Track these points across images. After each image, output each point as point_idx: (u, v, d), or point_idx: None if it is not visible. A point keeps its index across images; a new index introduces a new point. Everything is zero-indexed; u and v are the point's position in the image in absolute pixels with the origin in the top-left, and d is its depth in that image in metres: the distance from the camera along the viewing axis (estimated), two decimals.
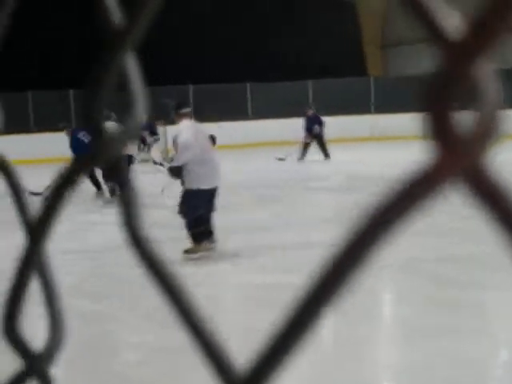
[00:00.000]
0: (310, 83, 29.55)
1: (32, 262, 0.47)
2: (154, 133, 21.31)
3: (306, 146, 21.40)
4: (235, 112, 28.08)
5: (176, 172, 8.72)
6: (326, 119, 22.80)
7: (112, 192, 13.52)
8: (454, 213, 8.51)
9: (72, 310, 6.65)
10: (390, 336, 6.07)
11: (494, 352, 5.38)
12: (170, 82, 26.16)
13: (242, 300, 7.17)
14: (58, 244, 9.13)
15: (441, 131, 0.24)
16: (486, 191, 0.24)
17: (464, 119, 0.25)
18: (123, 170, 0.38)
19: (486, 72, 0.24)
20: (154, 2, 0.36)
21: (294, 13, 30.82)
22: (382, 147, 23.59)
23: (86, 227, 11.19)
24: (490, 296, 6.53)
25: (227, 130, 26.35)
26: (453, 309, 6.10)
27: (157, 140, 21.61)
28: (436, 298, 6.49)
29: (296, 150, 21.08)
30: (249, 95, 29.19)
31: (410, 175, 0.25)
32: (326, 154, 21.05)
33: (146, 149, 21.28)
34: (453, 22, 0.25)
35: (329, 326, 6.31)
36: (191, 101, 27.83)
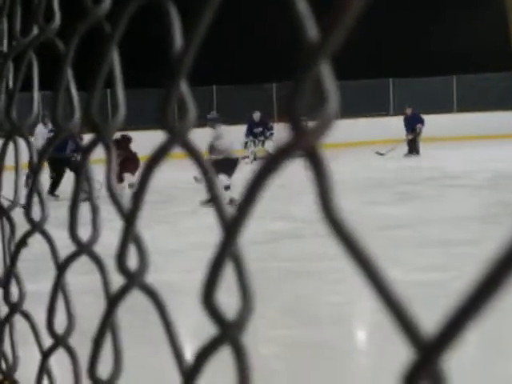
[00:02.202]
0: (454, 78, 28.95)
1: (228, 250, 0.54)
2: None
3: (410, 143, 22.48)
4: (377, 108, 27.87)
5: None
6: (471, 115, 22.41)
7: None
8: None
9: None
10: None
11: None
12: None
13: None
14: (194, 238, 9.41)
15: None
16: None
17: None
18: (318, 156, 0.44)
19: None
20: (351, 13, 0.41)
21: (440, 5, 30.24)
22: None
23: None
24: None
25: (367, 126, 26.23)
26: None
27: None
28: None
29: (396, 146, 21.83)
30: (391, 91, 28.89)
31: None
32: (417, 151, 22.15)
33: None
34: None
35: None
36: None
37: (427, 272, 7.47)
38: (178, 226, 11.26)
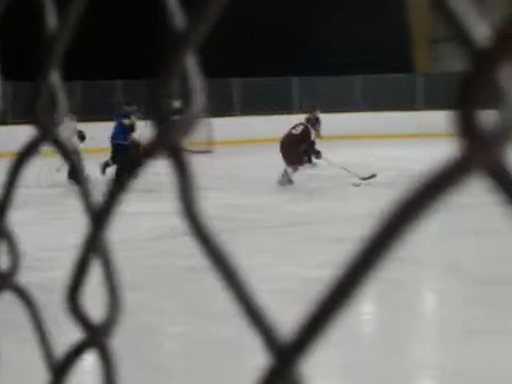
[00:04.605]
0: (356, 78, 29.44)
1: (94, 245, 0.52)
2: None
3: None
4: (280, 105, 28.09)
5: None
6: (373, 115, 22.76)
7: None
8: (489, 213, 8.46)
9: None
10: (430, 335, 6.06)
11: None
12: (214, 75, 26.19)
13: (277, 293, 7.07)
14: None
15: (468, 128, 0.27)
16: (507, 184, 0.27)
17: (488, 118, 0.29)
18: (182, 157, 0.42)
19: (509, 76, 0.28)
20: (215, 5, 0.40)
21: (341, 7, 30.67)
22: (429, 144, 23.36)
23: (127, 216, 11.28)
24: None
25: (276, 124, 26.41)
26: (494, 309, 6.07)
27: None
28: (478, 298, 6.45)
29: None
30: (294, 89, 29.17)
31: (437, 168, 0.28)
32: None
33: None
34: (480, 28, 0.29)
35: (366, 322, 6.33)
36: (238, 94, 27.90)
37: (328, 268, 7.56)
38: (78, 221, 11.05)
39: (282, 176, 14.84)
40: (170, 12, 0.45)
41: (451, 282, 7.14)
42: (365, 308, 6.33)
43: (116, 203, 0.48)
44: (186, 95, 0.43)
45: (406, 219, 0.30)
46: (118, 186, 0.47)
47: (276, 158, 20.92)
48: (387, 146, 22.42)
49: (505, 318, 5.87)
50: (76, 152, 0.60)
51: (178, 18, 0.44)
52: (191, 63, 0.43)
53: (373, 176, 14.00)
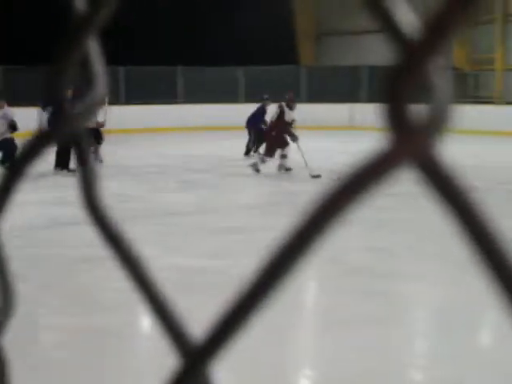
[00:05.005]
0: (240, 70, 29.57)
1: None
2: None
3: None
4: (164, 95, 27.93)
5: None
6: (256, 106, 22.90)
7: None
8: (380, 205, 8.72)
9: None
10: (312, 325, 6.16)
11: (407, 341, 5.52)
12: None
13: (165, 284, 7.00)
14: None
15: (397, 120, 0.27)
16: (436, 177, 0.27)
17: (417, 111, 0.28)
18: (84, 144, 0.40)
19: (439, 68, 0.27)
20: None
21: None
22: (312, 136, 23.75)
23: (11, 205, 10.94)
24: (406, 286, 6.68)
25: (160, 113, 26.24)
26: (366, 299, 6.24)
27: None
28: (349, 287, 6.62)
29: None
30: (179, 79, 29.03)
31: (363, 161, 0.27)
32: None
33: None
34: (409, 20, 0.28)
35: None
36: (123, 83, 27.52)
37: (207, 259, 7.59)
38: None
39: (279, 165, 15.07)
40: None
41: (332, 271, 7.28)
42: None
43: (10, 194, 0.45)
44: (88, 79, 0.40)
45: (330, 213, 0.29)
46: (13, 177, 0.44)
47: (161, 147, 20.82)
48: None
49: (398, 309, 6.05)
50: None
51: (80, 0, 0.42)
52: (93, 47, 0.41)
53: (318, 176, 14.00)
